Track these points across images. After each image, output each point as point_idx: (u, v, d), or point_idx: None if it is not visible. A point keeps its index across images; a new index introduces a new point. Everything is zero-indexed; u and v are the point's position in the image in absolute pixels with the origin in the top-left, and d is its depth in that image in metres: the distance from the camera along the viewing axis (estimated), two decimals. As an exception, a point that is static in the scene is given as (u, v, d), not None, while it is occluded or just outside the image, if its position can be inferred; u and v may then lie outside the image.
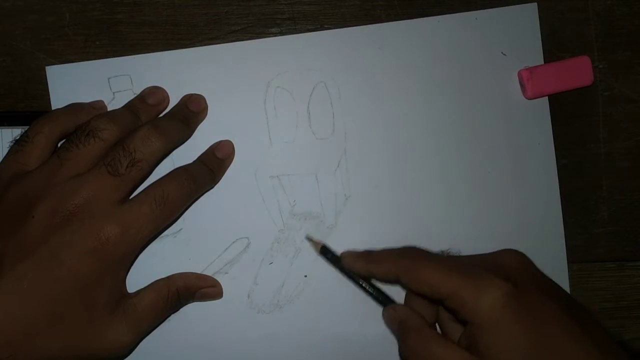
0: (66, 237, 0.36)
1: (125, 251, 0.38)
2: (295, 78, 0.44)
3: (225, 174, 0.43)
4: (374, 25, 0.44)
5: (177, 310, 0.43)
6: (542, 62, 0.44)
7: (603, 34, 0.45)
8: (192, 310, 0.43)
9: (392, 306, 0.41)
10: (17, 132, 0.43)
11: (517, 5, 0.44)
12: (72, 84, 0.43)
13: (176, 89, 0.43)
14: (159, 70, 0.43)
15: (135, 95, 0.43)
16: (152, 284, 0.41)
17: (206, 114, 0.43)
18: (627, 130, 0.45)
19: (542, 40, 0.44)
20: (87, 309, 0.37)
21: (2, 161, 0.40)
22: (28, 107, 0.44)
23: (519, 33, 0.44)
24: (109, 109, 0.43)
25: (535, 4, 0.44)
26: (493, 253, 0.39)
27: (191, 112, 0.43)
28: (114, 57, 0.43)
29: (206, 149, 0.43)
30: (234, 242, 0.44)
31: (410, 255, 0.39)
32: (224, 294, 0.43)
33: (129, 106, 0.42)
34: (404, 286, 0.40)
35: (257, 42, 0.44)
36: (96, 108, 0.42)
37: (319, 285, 0.44)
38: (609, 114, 0.45)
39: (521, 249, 0.44)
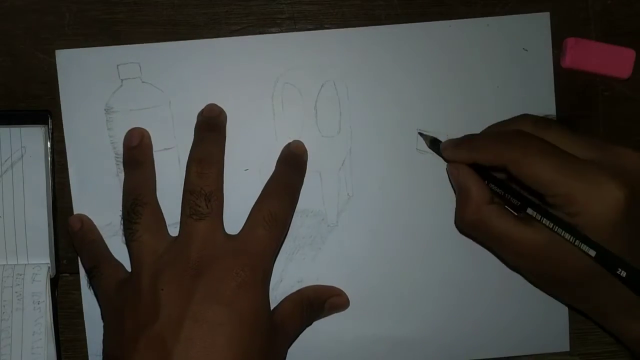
0: (206, 289, 0.37)
1: (262, 276, 0.39)
2: (304, 75, 0.44)
3: (231, 166, 0.43)
4: (386, 26, 0.44)
5: (311, 322, 0.43)
6: (552, 72, 0.44)
7: (603, 34, 0.44)
8: None
9: (457, 166, 0.40)
10: (15, 130, 0.43)
11: (529, 14, 0.44)
12: (80, 69, 0.43)
13: (185, 80, 0.43)
14: (169, 59, 0.43)
15: (144, 83, 0.43)
16: (285, 297, 0.42)
17: (225, 114, 0.43)
18: (627, 130, 0.45)
19: (542, 40, 0.44)
20: (261, 337, 0.38)
21: (97, 290, 0.42)
22: (28, 107, 0.44)
23: (530, 41, 0.44)
24: (115, 97, 0.43)
25: (548, 13, 0.44)
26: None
27: (212, 117, 0.43)
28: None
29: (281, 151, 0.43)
30: None
31: (519, 145, 0.37)
32: None
33: (126, 163, 0.43)
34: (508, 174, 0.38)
35: (268, 37, 0.44)
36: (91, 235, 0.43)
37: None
38: (609, 114, 0.45)
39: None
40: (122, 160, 0.43)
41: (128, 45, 0.43)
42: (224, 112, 0.43)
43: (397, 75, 0.44)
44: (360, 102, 0.44)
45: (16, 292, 0.43)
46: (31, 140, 0.43)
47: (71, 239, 0.43)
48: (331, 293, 0.43)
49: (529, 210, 0.38)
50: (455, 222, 0.42)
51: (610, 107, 0.45)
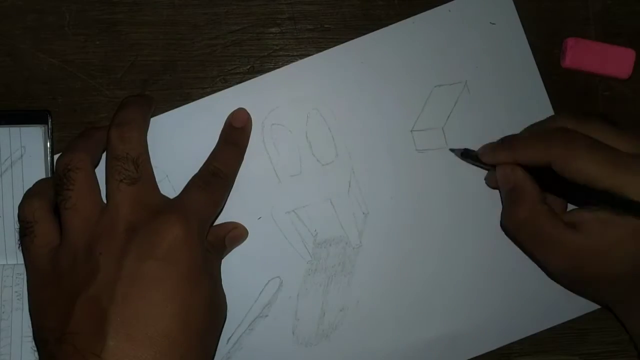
0: (141, 248, 0.36)
1: (198, 229, 0.37)
2: (287, 111, 0.44)
3: (244, 219, 0.43)
4: (352, 41, 0.44)
5: (220, 260, 0.42)
6: (528, 46, 0.44)
7: (603, 34, 0.44)
8: (243, 354, 0.43)
9: (511, 167, 0.40)
10: (15, 130, 0.43)
11: None
12: None
13: (175, 150, 0.43)
14: (155, 135, 0.42)
15: None
16: None
17: (250, 125, 0.43)
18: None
19: (542, 40, 0.44)
20: (202, 292, 0.37)
21: (29, 254, 0.39)
22: (28, 107, 0.44)
23: (495, 15, 0.44)
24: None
25: None
26: None
27: (235, 129, 0.43)
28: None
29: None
30: (266, 284, 0.43)
31: (563, 141, 0.37)
32: (269, 336, 0.43)
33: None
34: (554, 171, 0.38)
35: (242, 86, 0.43)
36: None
37: (360, 307, 0.44)
38: (609, 114, 0.45)
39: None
40: None
41: None
42: (250, 123, 0.43)
43: (375, 85, 0.44)
44: (348, 121, 0.44)
45: (16, 292, 0.43)
46: (31, 140, 0.43)
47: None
48: (227, 229, 0.43)
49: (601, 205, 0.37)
50: (502, 222, 0.42)
51: (610, 107, 0.45)
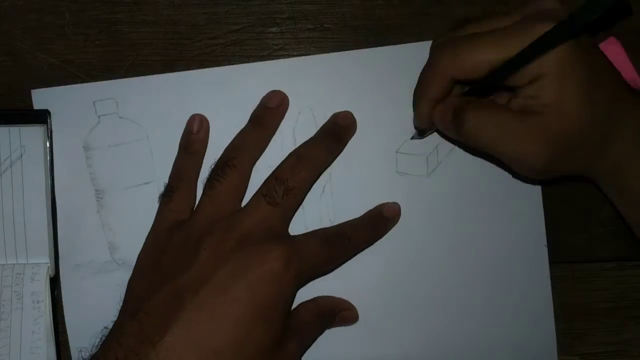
0: (239, 263, 0.37)
1: (295, 277, 0.38)
2: None
3: None
4: (358, 50, 0.43)
5: (322, 332, 0.43)
6: None
7: (603, 34, 0.44)
8: None
9: (442, 103, 0.39)
10: (15, 130, 0.43)
11: None
12: (57, 107, 0.43)
13: (162, 113, 0.43)
14: (145, 94, 0.43)
15: (121, 118, 0.43)
16: (300, 305, 0.42)
17: (356, 127, 0.43)
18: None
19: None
20: (268, 332, 0.38)
21: (159, 214, 0.42)
22: (28, 107, 0.44)
23: None
24: (93, 134, 0.43)
25: None
26: (531, 3, 0.37)
27: (340, 126, 0.43)
28: (114, 56, 0.43)
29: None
30: None
31: (449, 46, 0.38)
32: None
33: (253, 119, 0.43)
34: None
35: (243, 67, 0.43)
36: (201, 137, 0.43)
37: None
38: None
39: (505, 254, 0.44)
40: (102, 196, 0.43)
41: (104, 82, 0.43)
42: (356, 124, 0.43)
43: (373, 98, 0.43)
44: None
45: (15, 292, 0.43)
46: (30, 139, 0.43)
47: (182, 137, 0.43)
48: (343, 306, 0.44)
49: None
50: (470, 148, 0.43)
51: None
